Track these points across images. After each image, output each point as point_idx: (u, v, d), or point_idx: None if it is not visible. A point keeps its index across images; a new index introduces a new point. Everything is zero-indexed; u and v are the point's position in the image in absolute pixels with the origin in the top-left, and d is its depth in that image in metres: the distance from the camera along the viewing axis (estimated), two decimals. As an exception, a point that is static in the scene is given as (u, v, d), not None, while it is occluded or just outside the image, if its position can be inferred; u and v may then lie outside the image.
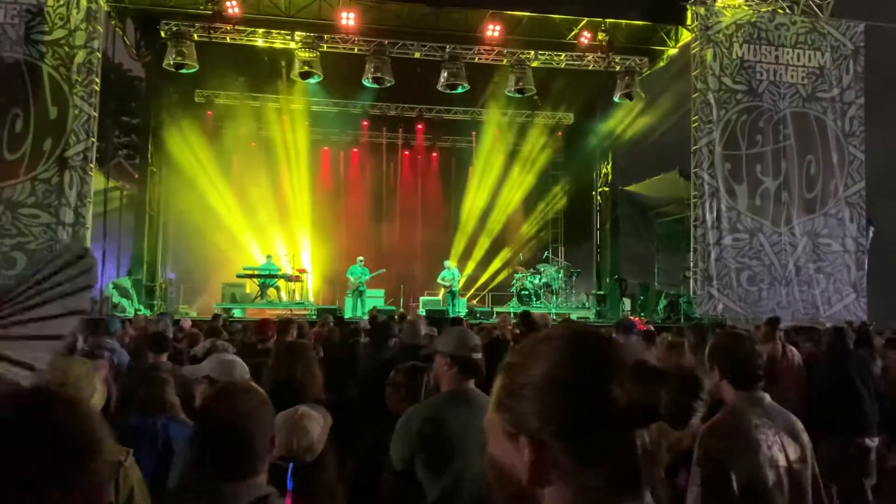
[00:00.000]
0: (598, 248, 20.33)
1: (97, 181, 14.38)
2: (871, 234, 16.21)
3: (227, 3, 14.79)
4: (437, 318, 11.47)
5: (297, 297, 17.25)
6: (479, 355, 2.83)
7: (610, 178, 19.90)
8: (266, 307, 15.82)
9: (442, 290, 17.21)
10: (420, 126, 21.25)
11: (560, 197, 21.07)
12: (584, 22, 16.43)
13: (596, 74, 17.97)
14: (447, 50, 16.53)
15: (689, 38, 16.17)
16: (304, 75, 16.18)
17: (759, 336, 6.92)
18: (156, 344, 5.21)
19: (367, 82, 16.37)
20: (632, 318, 16.21)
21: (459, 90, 16.99)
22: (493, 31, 16.09)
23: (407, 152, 21.81)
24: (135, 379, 4.12)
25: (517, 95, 17.29)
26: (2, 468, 0.99)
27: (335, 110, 20.03)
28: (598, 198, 20.34)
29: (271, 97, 18.85)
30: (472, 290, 20.16)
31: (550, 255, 18.82)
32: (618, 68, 17.42)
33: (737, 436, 2.45)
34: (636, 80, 17.35)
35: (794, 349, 6.53)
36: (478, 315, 16.18)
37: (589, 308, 18.00)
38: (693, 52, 15.85)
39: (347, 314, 15.71)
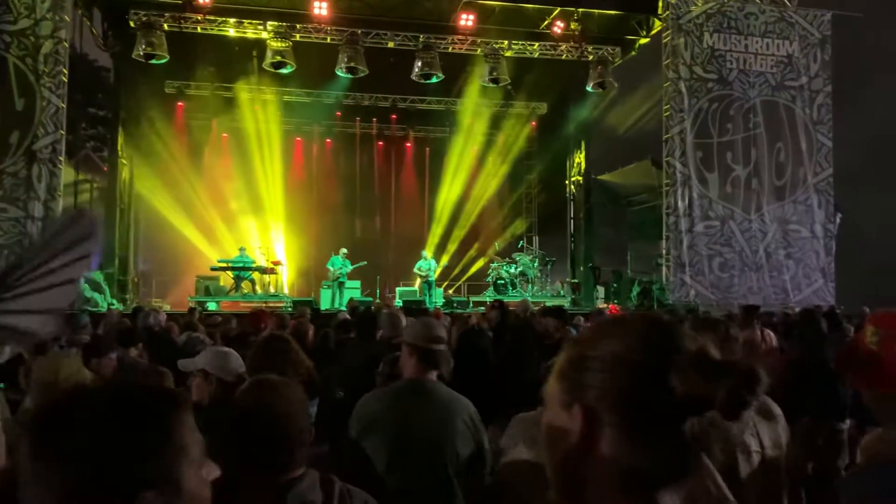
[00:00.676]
0: (572, 236, 20.48)
1: (66, 174, 14.12)
2: (838, 220, 16.53)
3: (198, -8, 14.60)
4: (414, 309, 11.48)
5: (272, 290, 17.13)
6: (440, 346, 2.86)
7: (583, 167, 20.03)
8: (241, 300, 15.70)
9: (418, 281, 17.22)
10: (394, 116, 21.16)
11: (534, 186, 21.18)
12: (556, 11, 16.47)
13: (569, 64, 18.04)
14: (421, 39, 16.48)
15: (661, 27, 16.32)
16: (277, 65, 16.02)
17: (737, 322, 7.06)
18: (124, 338, 5.16)
19: (340, 72, 16.26)
20: (606, 305, 16.43)
21: (434, 80, 16.95)
22: (466, 20, 16.08)
23: (381, 142, 21.71)
24: (126, 374, 4.09)
25: (491, 85, 17.31)
26: None
27: (308, 100, 19.87)
28: (572, 187, 20.47)
29: (243, 88, 18.63)
30: (448, 280, 20.20)
31: (525, 245, 18.92)
32: (590, 58, 17.51)
33: (710, 422, 2.49)
34: (609, 70, 17.46)
35: (771, 334, 6.66)
36: (455, 305, 16.22)
37: (564, 296, 18.14)
38: (664, 41, 15.98)
39: (324, 306, 15.66)
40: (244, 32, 16.17)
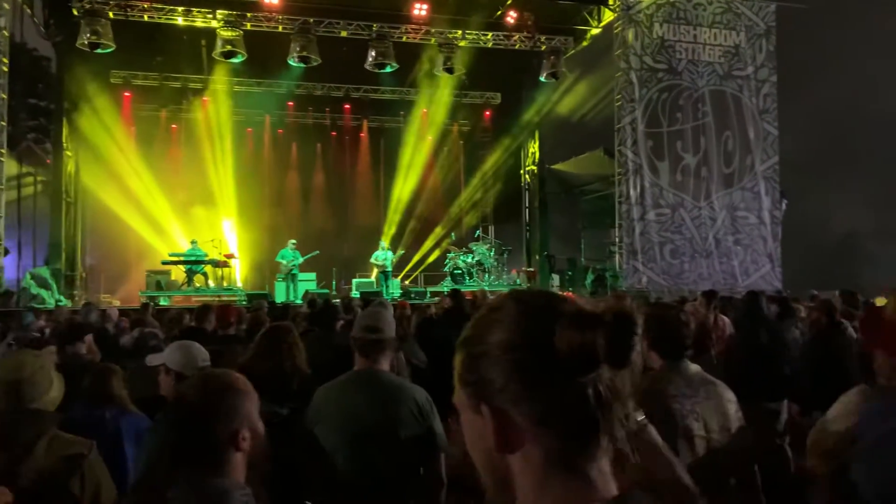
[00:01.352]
0: (527, 225, 20.63)
1: (10, 167, 13.67)
2: (784, 207, 17.00)
3: (144, -20, 14.24)
4: (372, 300, 11.43)
5: (226, 284, 16.88)
6: (372, 335, 2.89)
7: (538, 156, 20.17)
8: (193, 294, 15.42)
9: (375, 272, 17.16)
10: (348, 106, 20.97)
11: (490, 176, 21.25)
12: (510, 1, 16.53)
13: (522, 54, 18.15)
14: (374, 29, 16.37)
15: (612, 17, 16.51)
16: (227, 55, 15.73)
17: (695, 306, 7.23)
18: (71, 334, 5.04)
19: (292, 62, 16.06)
20: (561, 293, 16.62)
21: (388, 69, 16.86)
22: (420, 10, 16.03)
23: (335, 133, 21.47)
24: (73, 370, 3.98)
25: (445, 75, 17.29)
26: None
27: (260, 90, 19.55)
28: (527, 176, 20.61)
29: (192, 77, 18.23)
30: (405, 271, 20.17)
31: (481, 234, 19.00)
32: (543, 48, 17.63)
33: (652, 404, 2.45)
34: (561, 60, 17.61)
35: (725, 318, 6.83)
36: (412, 295, 16.22)
37: (520, 285, 18.28)
38: (615, 31, 16.19)
39: (279, 299, 15.47)
40: (193, 21, 15.82)
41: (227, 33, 15.42)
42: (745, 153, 16.49)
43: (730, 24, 16.43)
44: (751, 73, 16.59)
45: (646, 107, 15.94)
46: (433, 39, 16.89)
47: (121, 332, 7.68)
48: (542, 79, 17.89)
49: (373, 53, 16.43)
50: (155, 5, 15.05)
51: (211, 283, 16.51)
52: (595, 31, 17.77)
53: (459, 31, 16.89)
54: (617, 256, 16.26)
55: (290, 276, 16.03)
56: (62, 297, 14.46)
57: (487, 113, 21.41)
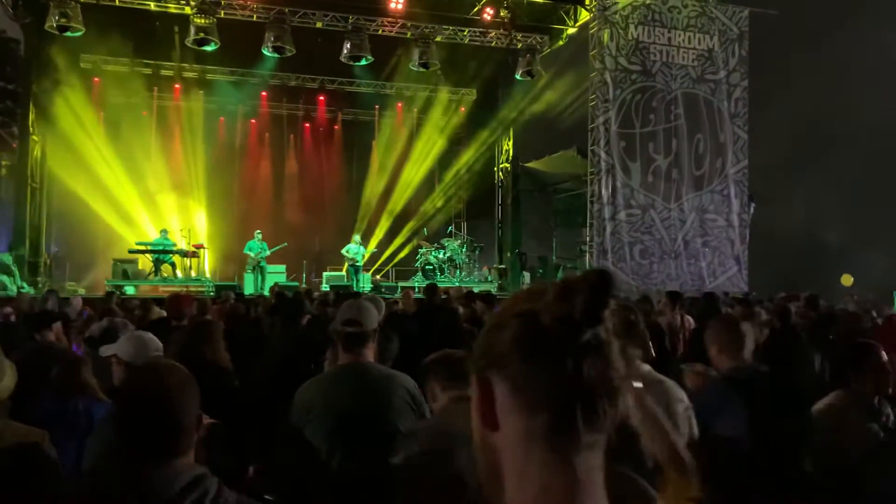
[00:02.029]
0: (499, 223, 20.69)
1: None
2: (752, 210, 17.26)
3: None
4: (342, 294, 11.39)
5: (194, 274, 16.69)
6: (351, 328, 2.88)
7: (511, 154, 20.24)
8: (161, 284, 15.24)
9: (346, 265, 17.09)
10: (322, 98, 20.81)
11: (463, 172, 21.26)
12: (486, -2, 16.56)
13: (498, 51, 18.18)
14: (350, 21, 16.26)
15: (588, 17, 16.59)
16: (200, 42, 15.50)
17: (660, 307, 7.32)
18: (42, 322, 4.95)
19: (266, 51, 15.90)
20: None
21: (363, 62, 16.78)
22: (396, 3, 15.94)
23: (308, 124, 21.30)
24: (34, 359, 3.92)
25: (421, 70, 17.25)
26: None
27: (233, 79, 19.32)
28: (500, 174, 20.66)
29: (165, 64, 17.96)
30: (376, 265, 20.11)
31: (454, 230, 19.02)
32: (519, 46, 17.68)
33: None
34: (537, 58, 17.67)
35: (690, 319, 6.92)
36: (382, 290, 16.19)
37: (491, 282, 18.34)
38: (591, 31, 16.28)
39: (247, 290, 15.35)
40: (166, 7, 15.59)
41: (200, 21, 15.19)
42: (716, 156, 16.69)
43: (703, 28, 16.61)
44: (723, 77, 16.79)
45: (619, 107, 16.06)
46: (409, 34, 16.85)
47: (88, 321, 7.57)
48: (518, 77, 17.94)
49: (348, 45, 16.33)
50: (127, -11, 14.79)
51: (179, 273, 16.30)
52: (571, 31, 17.84)
53: (435, 26, 16.86)
54: (587, 255, 16.38)
55: (259, 268, 15.91)
56: (24, 284, 14.20)
57: (462, 109, 21.40)
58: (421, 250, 17.99)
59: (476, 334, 0.92)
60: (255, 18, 15.80)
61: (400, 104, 20.15)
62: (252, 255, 16.02)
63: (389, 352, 3.60)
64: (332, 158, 21.41)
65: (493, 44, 17.72)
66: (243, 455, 2.86)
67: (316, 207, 20.38)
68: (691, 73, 16.56)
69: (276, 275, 16.36)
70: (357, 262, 16.56)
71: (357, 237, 17.12)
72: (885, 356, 3.01)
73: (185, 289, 14.53)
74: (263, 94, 20.19)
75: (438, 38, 17.05)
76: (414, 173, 20.61)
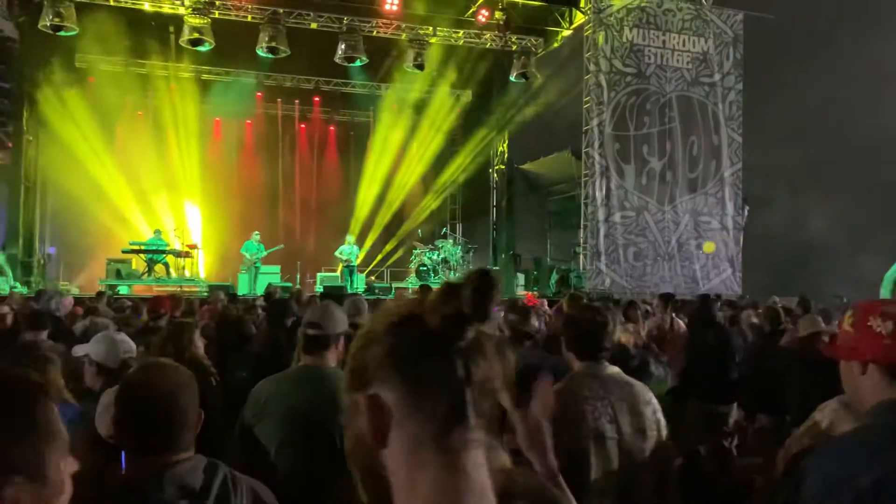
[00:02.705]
0: (494, 224, 20.69)
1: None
2: (746, 213, 17.26)
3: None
4: (335, 295, 11.38)
5: (188, 274, 16.68)
6: (312, 331, 2.88)
7: (506, 155, 20.24)
8: (154, 284, 15.24)
9: (340, 266, 17.08)
10: (317, 99, 20.83)
11: (458, 174, 21.26)
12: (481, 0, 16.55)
13: (493, 53, 18.20)
14: (344, 22, 16.26)
15: (583, 20, 16.61)
16: (194, 42, 15.52)
17: (653, 309, 7.32)
18: (33, 321, 4.94)
19: (261, 52, 15.90)
20: (525, 292, 16.72)
21: (357, 63, 16.79)
22: (391, 4, 15.95)
23: (303, 125, 21.34)
24: (13, 358, 3.91)
25: (416, 71, 17.26)
26: None
27: (228, 80, 19.32)
28: (495, 175, 20.67)
29: (159, 64, 17.96)
30: (370, 266, 20.10)
31: (448, 231, 19.02)
32: (514, 47, 17.69)
33: (564, 406, 2.49)
34: (532, 60, 17.69)
35: (681, 321, 6.92)
36: (376, 291, 16.20)
37: (485, 283, 18.28)
38: (586, 34, 16.29)
39: (241, 291, 15.35)
40: (160, 7, 15.60)
41: (194, 21, 15.21)
42: (710, 159, 16.70)
43: (698, 31, 16.62)
44: (717, 81, 16.80)
45: (614, 110, 16.07)
46: (404, 35, 16.86)
47: (74, 320, 7.56)
48: (513, 78, 17.95)
49: (343, 46, 16.34)
50: (121, -11, 14.79)
51: (172, 272, 16.29)
52: (566, 33, 17.87)
53: (430, 28, 16.87)
54: (581, 257, 16.38)
55: (253, 269, 15.91)
56: (17, 283, 14.19)
57: (457, 111, 21.40)
58: (415, 251, 17.98)
59: None
60: (249, 19, 15.81)
61: (395, 105, 20.15)
62: (248, 255, 16.02)
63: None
64: (327, 159, 21.43)
65: (487, 45, 17.74)
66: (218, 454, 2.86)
67: (310, 208, 20.40)
68: (686, 75, 16.57)
69: (271, 275, 16.35)
70: (351, 262, 16.55)
71: (350, 238, 17.10)
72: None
73: (178, 289, 14.55)
74: (259, 94, 20.20)
75: (433, 40, 17.07)
76: (409, 175, 20.61)
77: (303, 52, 16.32)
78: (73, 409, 3.09)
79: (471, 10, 16.89)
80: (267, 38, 15.59)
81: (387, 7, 15.98)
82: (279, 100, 20.61)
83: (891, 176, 16.47)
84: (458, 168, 21.16)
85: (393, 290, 16.09)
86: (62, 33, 14.66)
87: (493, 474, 0.85)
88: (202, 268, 18.54)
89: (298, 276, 17.72)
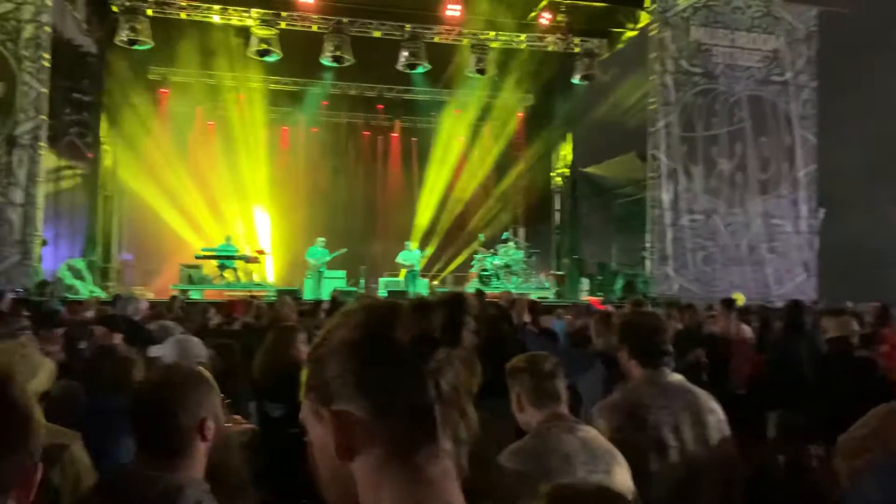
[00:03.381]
0: (557, 228, 20.49)
1: (49, 160, 14.02)
2: (821, 216, 16.63)
3: (182, -22, 14.49)
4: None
5: (256, 279, 17.08)
6: None
7: (569, 159, 20.03)
8: (224, 288, 15.65)
9: (403, 271, 17.19)
10: (380, 106, 21.10)
11: (520, 178, 21.14)
12: (544, 2, 16.46)
13: (556, 56, 18.04)
14: (407, 29, 16.41)
15: (648, 20, 16.30)
16: (262, 53, 15.93)
17: (715, 315, 7.10)
18: (109, 325, 5.12)
19: (326, 61, 16.18)
20: (589, 298, 16.48)
21: (419, 70, 16.92)
22: (453, 10, 16.01)
23: (367, 132, 21.65)
24: (95, 360, 4.08)
25: (478, 76, 17.26)
26: None
27: (294, 89, 19.76)
28: (558, 179, 20.47)
29: (228, 75, 18.49)
30: (432, 271, 20.17)
31: (510, 236, 18.91)
32: (577, 50, 17.50)
33: (623, 414, 2.47)
34: (595, 62, 17.46)
35: (746, 328, 6.69)
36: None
37: (548, 288, 18.16)
38: (651, 34, 15.99)
39: (307, 296, 15.61)
40: (229, 19, 16.05)
41: (262, 32, 15.61)
42: (782, 160, 16.16)
43: (769, 29, 16.11)
44: (790, 79, 16.26)
45: (681, 111, 15.73)
46: (465, 40, 16.89)
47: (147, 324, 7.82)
48: (576, 81, 17.75)
49: (405, 54, 16.49)
50: (192, 3, 15.29)
51: (242, 278, 16.70)
52: (630, 34, 17.58)
53: (492, 33, 16.85)
54: (648, 262, 16.05)
55: (318, 274, 16.17)
56: (95, 289, 14.78)
57: (520, 114, 21.31)
58: (477, 256, 17.94)
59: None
60: (314, 29, 16.10)
61: (457, 111, 20.20)
62: (313, 260, 16.30)
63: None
64: (390, 165, 21.68)
65: (550, 48, 17.60)
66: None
67: (375, 214, 20.64)
68: (756, 74, 16.09)
69: (336, 280, 16.58)
70: (414, 267, 16.65)
71: (412, 243, 17.20)
72: None
73: (248, 293, 14.89)
74: (324, 102, 20.58)
75: (495, 45, 17.04)
76: (471, 179, 20.63)
77: (366, 60, 16.53)
78: None
79: (533, 14, 16.79)
80: (332, 48, 15.87)
81: (448, 13, 16.05)
82: (343, 108, 20.94)
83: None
84: (521, 172, 21.06)
85: (456, 295, 16.07)
86: (137, 47, 15.27)
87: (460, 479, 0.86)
88: (271, 273, 18.96)
89: (363, 281, 17.91)
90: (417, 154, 21.37)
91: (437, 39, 16.84)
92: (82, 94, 19.35)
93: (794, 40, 16.27)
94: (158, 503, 1.68)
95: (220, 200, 19.06)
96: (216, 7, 15.72)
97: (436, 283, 19.64)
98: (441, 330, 0.82)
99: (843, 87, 17.02)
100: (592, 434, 2.25)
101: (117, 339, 5.06)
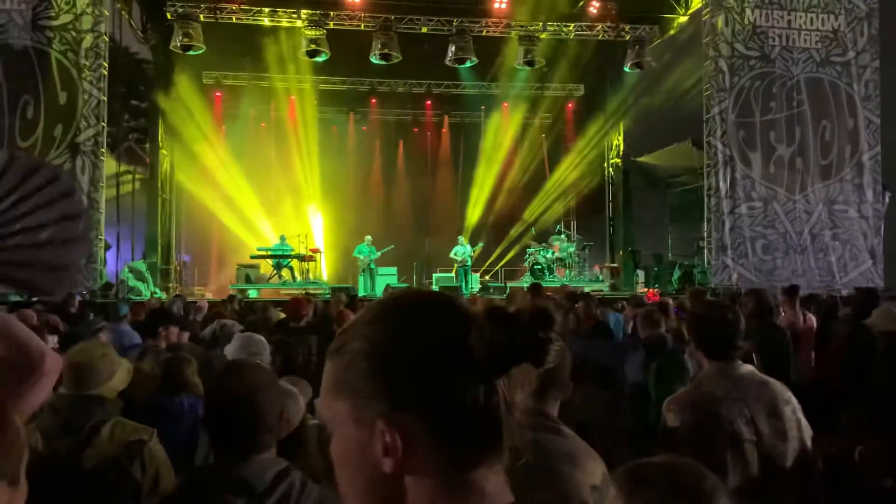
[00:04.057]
0: (610, 220, 20.22)
1: (109, 166, 14.44)
2: (887, 200, 16.04)
3: (232, -17, 14.75)
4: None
5: (311, 277, 17.31)
6: None
7: (622, 149, 19.74)
8: (281, 287, 15.91)
9: (455, 266, 17.21)
10: (429, 102, 21.14)
11: (572, 169, 20.91)
12: (592, -9, 16.24)
13: (605, 44, 17.79)
14: (454, 24, 16.37)
15: (700, 4, 15.95)
16: (312, 54, 16.09)
17: (779, 305, 6.87)
18: (148, 326, 5.24)
19: (374, 59, 16.26)
20: (645, 290, 16.22)
21: (468, 64, 16.87)
22: (500, 3, 15.92)
23: (416, 129, 21.72)
24: (154, 357, 4.19)
25: (526, 68, 17.14)
26: None
27: (343, 88, 19.95)
28: (610, 169, 20.20)
29: (279, 77, 18.76)
30: (484, 266, 20.13)
31: (562, 229, 18.73)
32: (627, 37, 17.21)
33: (694, 408, 2.42)
34: (646, 50, 17.14)
35: (812, 317, 6.47)
36: (490, 290, 16.19)
37: (602, 281, 17.95)
38: (704, 18, 15.62)
39: (361, 292, 15.76)
40: (279, 21, 16.26)
41: (311, 32, 15.77)
42: (844, 143, 15.62)
43: (827, 8, 15.57)
44: (851, 59, 15.68)
45: (737, 96, 15.33)
46: (513, 33, 16.76)
47: (204, 324, 7.98)
48: (627, 69, 17.46)
49: (453, 49, 16.46)
50: (242, 6, 15.54)
51: (297, 276, 16.95)
52: (681, 20, 17.21)
53: (540, 24, 16.68)
54: (706, 252, 15.71)
55: (368, 271, 16.31)
56: (157, 290, 15.17)
57: (570, 105, 21.08)
58: (529, 250, 17.83)
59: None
60: (362, 27, 16.20)
61: (506, 104, 20.10)
62: (361, 258, 16.44)
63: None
64: (440, 161, 21.70)
65: (599, 37, 17.34)
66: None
67: (426, 209, 20.69)
68: (815, 56, 15.57)
69: (388, 276, 16.70)
70: (466, 262, 16.64)
71: (463, 238, 17.19)
72: None
73: (303, 291, 15.09)
74: (373, 100, 20.72)
75: (543, 36, 16.87)
76: (521, 172, 20.52)
77: (414, 56, 16.56)
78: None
79: (581, 3, 16.57)
80: (380, 46, 15.93)
81: (496, 6, 15.95)
82: (392, 105, 21.05)
83: None
84: (572, 164, 20.82)
85: (507, 289, 16.01)
86: (191, 52, 15.60)
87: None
88: (324, 271, 19.20)
89: (415, 277, 17.99)
90: (467, 149, 21.33)
91: (484, 33, 16.76)
92: (139, 100, 19.92)
93: (854, 19, 15.69)
94: (276, 484, 1.73)
95: (274, 200, 19.39)
96: (266, 10, 15.94)
97: (487, 277, 19.59)
98: (526, 347, 0.77)
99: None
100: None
101: (184, 337, 5.19)
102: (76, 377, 2.44)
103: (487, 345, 0.76)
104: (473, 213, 20.33)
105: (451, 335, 0.78)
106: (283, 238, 17.05)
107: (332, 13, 15.88)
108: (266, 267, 16.76)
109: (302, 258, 16.90)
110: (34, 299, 9.26)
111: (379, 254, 16.49)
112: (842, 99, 15.66)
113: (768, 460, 2.37)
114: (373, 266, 16.37)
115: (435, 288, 15.63)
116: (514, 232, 20.52)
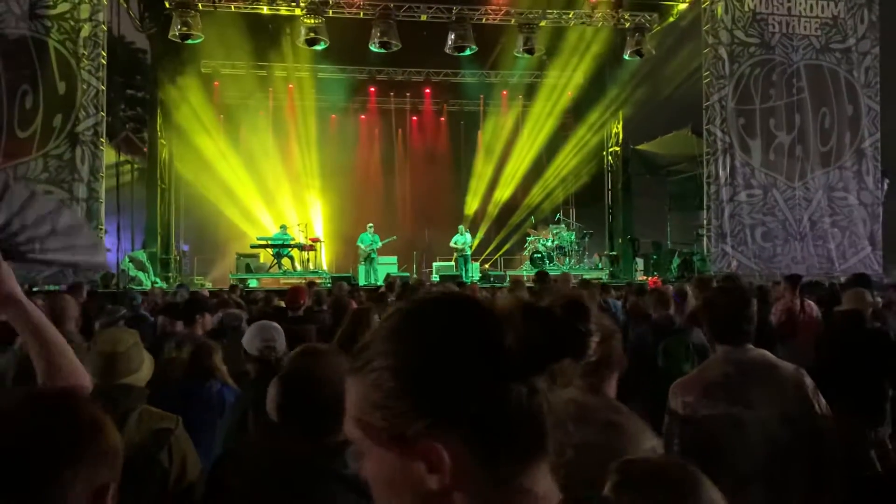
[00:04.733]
0: (610, 208, 20.23)
1: (108, 156, 14.38)
2: (885, 186, 16.09)
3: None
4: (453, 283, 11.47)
5: (312, 266, 17.30)
6: None
7: (621, 137, 19.72)
8: (281, 276, 15.89)
9: (454, 255, 17.22)
10: (428, 90, 21.08)
11: (571, 158, 20.87)
12: (592, -22, 16.17)
13: (605, 32, 17.72)
14: (454, 11, 16.29)
15: (700, -9, 15.90)
16: (310, 42, 15.99)
17: (779, 292, 6.90)
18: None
19: (373, 47, 16.19)
20: (645, 277, 16.26)
21: (467, 52, 16.80)
22: (499, -9, 15.86)
23: (415, 117, 21.67)
24: (176, 345, 4.22)
25: (526, 56, 17.08)
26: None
27: (342, 77, 19.84)
28: (610, 157, 20.19)
29: (278, 65, 18.69)
30: (484, 255, 20.14)
31: (562, 217, 18.74)
32: (627, 25, 17.15)
33: (700, 391, 2.44)
34: (646, 37, 17.08)
35: (812, 304, 6.50)
36: (491, 279, 16.21)
37: (602, 269, 17.97)
38: (704, 5, 15.61)
39: (361, 282, 15.76)
40: (277, 10, 16.18)
41: (309, 21, 15.67)
42: (844, 130, 15.64)
43: (827, -6, 15.57)
44: (851, 46, 15.69)
45: (737, 83, 15.34)
46: (513, 20, 16.69)
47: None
48: (627, 57, 17.41)
49: (452, 37, 16.39)
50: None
51: (298, 265, 16.94)
52: (681, 7, 17.15)
53: (540, 11, 16.61)
54: (705, 240, 15.75)
55: (369, 260, 16.30)
56: (157, 279, 15.16)
57: (569, 93, 21.03)
58: (529, 238, 17.85)
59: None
60: (361, 15, 16.11)
61: (505, 92, 20.04)
62: (363, 246, 16.42)
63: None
64: (439, 150, 21.65)
65: (599, 25, 17.29)
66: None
67: (425, 198, 20.66)
68: (814, 43, 15.57)
69: (388, 266, 16.70)
70: (465, 251, 16.64)
71: (461, 227, 17.17)
72: None
73: (304, 280, 15.08)
74: (372, 89, 20.66)
75: (542, 24, 16.81)
76: (521, 161, 20.49)
77: (412, 44, 16.49)
78: (233, 391, 3.31)
79: (581, -10, 16.52)
80: (379, 34, 15.85)
81: (495, -7, 15.90)
82: (391, 93, 20.99)
83: None
84: (571, 152, 20.78)
85: (507, 278, 16.02)
86: (189, 41, 15.50)
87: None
88: (324, 260, 19.19)
89: (415, 266, 17.99)
90: (466, 137, 21.33)
91: (484, 21, 16.70)
92: (137, 90, 19.84)
93: (854, 5, 15.69)
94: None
95: (274, 189, 19.35)
96: (264, -2, 15.86)
97: (487, 266, 19.61)
98: (565, 339, 0.75)
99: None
100: None
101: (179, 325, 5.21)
102: (106, 366, 2.45)
103: (525, 344, 0.74)
104: (473, 202, 20.33)
105: (484, 339, 0.74)
106: (283, 227, 17.03)
107: (330, 1, 15.78)
108: (267, 256, 16.76)
109: (302, 247, 16.88)
110: (34, 289, 9.28)
111: (381, 244, 16.48)
112: (841, 86, 15.67)
113: (773, 443, 2.37)
114: (374, 255, 16.36)
115: (435, 277, 15.66)
116: (514, 220, 20.52)
